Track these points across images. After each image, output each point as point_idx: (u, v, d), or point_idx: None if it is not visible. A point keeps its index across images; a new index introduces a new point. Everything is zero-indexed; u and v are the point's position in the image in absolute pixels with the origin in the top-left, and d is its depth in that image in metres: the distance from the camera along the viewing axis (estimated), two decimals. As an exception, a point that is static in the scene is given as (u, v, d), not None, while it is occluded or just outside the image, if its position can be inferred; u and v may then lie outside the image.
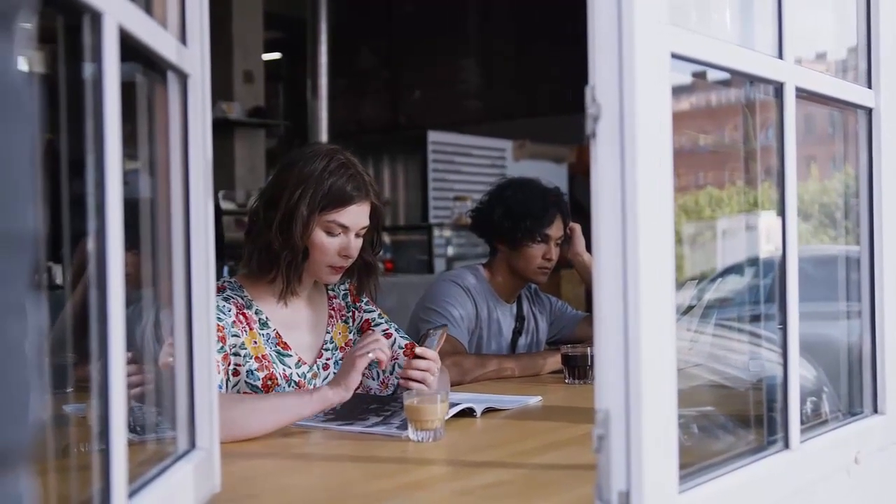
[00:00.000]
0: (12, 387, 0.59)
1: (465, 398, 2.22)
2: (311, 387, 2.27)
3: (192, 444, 1.39)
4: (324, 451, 1.84)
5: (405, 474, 1.71)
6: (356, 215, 2.24)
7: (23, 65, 0.62)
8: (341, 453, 1.82)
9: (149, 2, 1.28)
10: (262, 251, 2.23)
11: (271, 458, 1.84)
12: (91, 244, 1.03)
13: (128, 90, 1.10)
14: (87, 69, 1.03)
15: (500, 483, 1.60)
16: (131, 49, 1.12)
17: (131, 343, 1.10)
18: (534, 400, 2.39)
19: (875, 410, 1.85)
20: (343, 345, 2.40)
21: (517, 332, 3.18)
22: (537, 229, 3.02)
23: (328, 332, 2.38)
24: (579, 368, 2.69)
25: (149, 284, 1.42)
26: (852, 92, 1.81)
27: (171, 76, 1.35)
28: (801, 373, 1.60)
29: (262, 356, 2.22)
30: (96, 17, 1.00)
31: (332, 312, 2.41)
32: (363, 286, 2.39)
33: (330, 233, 2.22)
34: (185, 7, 1.38)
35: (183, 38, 1.37)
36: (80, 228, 1.07)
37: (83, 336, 1.10)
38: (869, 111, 1.84)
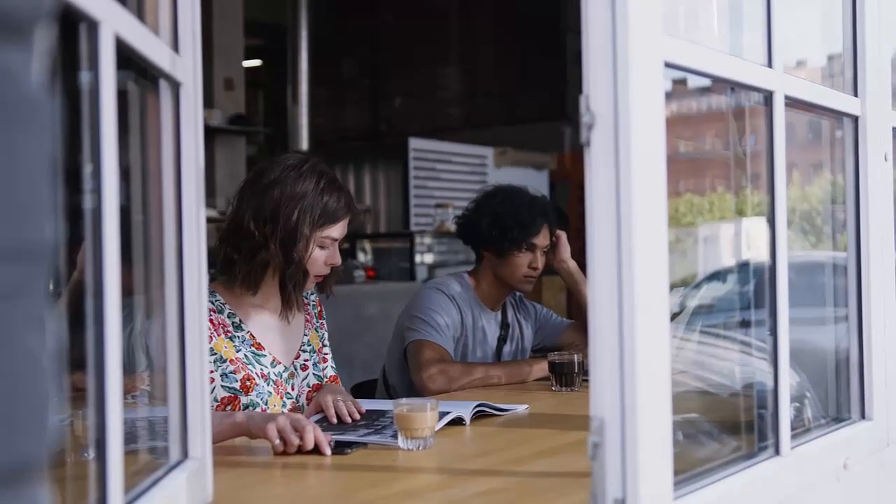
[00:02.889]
0: (32, 399, 0.59)
1: (453, 406, 2.22)
2: (289, 387, 2.34)
3: (185, 454, 1.38)
4: (315, 460, 1.83)
5: (396, 483, 1.70)
6: (344, 227, 2.35)
7: (40, 76, 0.62)
8: (332, 463, 1.82)
9: (141, 9, 1.28)
10: (260, 268, 2.28)
11: (262, 468, 1.83)
12: (87, 253, 1.03)
13: (119, 98, 1.09)
14: (83, 77, 1.03)
15: (493, 491, 1.60)
16: (125, 57, 1.12)
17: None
18: (522, 408, 2.39)
19: (863, 416, 1.86)
20: (317, 348, 2.48)
21: (502, 340, 3.18)
22: (524, 238, 3.02)
23: (305, 335, 2.45)
24: (566, 376, 2.69)
25: (139, 292, 1.41)
26: (839, 100, 1.83)
27: (163, 84, 1.34)
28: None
29: (236, 359, 2.26)
30: (93, 26, 1.00)
31: (308, 317, 2.49)
32: (326, 283, 2.44)
33: (322, 246, 2.31)
34: (177, 15, 1.37)
35: (175, 47, 1.36)
36: (74, 237, 1.06)
37: (71, 345, 1.09)
38: (855, 119, 1.86)
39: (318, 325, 2.52)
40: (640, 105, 1.19)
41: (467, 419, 2.17)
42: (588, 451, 1.20)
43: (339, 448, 1.88)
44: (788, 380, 1.58)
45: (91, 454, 1.20)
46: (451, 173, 8.40)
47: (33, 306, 0.60)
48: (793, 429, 1.63)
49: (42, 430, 0.60)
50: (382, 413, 2.22)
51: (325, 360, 2.50)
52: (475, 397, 2.54)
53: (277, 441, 1.85)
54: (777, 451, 1.55)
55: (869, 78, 1.86)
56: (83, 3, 0.97)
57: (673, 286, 2.24)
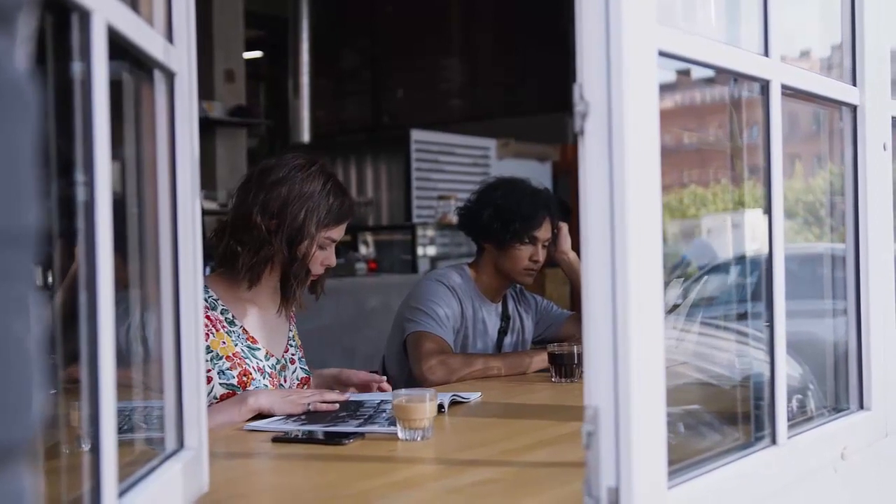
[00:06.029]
0: (16, 382, 0.59)
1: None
2: (282, 379, 2.40)
3: (181, 444, 1.39)
4: (312, 451, 1.84)
5: (394, 473, 1.71)
6: (343, 230, 2.41)
7: (24, 63, 0.62)
8: (329, 453, 1.82)
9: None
10: (263, 262, 2.31)
11: (259, 458, 1.84)
12: (79, 245, 1.03)
13: (113, 88, 1.09)
14: (75, 67, 1.02)
15: (489, 481, 1.60)
16: (118, 47, 1.12)
17: (116, 344, 1.10)
18: (474, 396, 2.41)
19: (861, 406, 1.86)
20: (300, 345, 2.54)
21: (503, 332, 3.18)
22: (526, 231, 3.02)
23: (290, 331, 2.51)
24: (566, 367, 2.69)
25: (135, 285, 1.41)
26: (837, 89, 1.82)
27: (157, 75, 1.34)
28: (786, 370, 1.60)
29: (234, 354, 2.30)
30: (85, 16, 1.00)
31: (292, 315, 2.53)
32: (317, 284, 2.47)
33: (322, 247, 2.36)
34: (171, 5, 1.37)
35: (170, 37, 1.36)
36: (63, 229, 1.06)
37: (68, 337, 1.10)
38: (854, 108, 1.85)
39: (295, 322, 2.58)
40: (634, 94, 1.19)
41: (446, 406, 2.20)
42: (582, 439, 1.20)
43: (337, 438, 1.88)
44: (785, 370, 1.58)
45: (88, 445, 1.20)
46: (454, 165, 8.40)
47: (17, 291, 0.60)
48: (794, 420, 1.63)
49: (26, 414, 0.60)
50: (361, 403, 2.23)
51: (292, 362, 2.53)
52: (475, 388, 2.54)
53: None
54: (773, 441, 1.55)
55: (868, 67, 1.85)
56: (74, -8, 0.97)
57: (677, 277, 2.24)
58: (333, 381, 2.52)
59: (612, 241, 1.18)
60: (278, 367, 2.39)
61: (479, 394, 2.45)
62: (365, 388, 2.46)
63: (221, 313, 2.32)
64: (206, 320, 2.26)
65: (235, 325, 2.33)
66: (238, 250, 2.30)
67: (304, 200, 2.30)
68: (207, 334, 2.24)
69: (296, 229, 2.29)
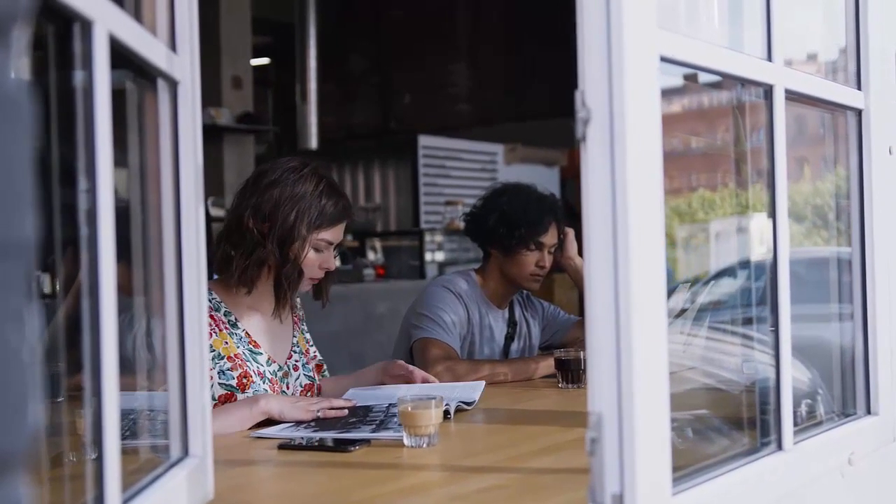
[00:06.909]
0: (11, 393, 0.59)
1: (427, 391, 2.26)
2: (284, 385, 2.40)
3: (186, 452, 1.39)
4: (317, 458, 1.84)
5: (400, 480, 1.71)
6: (339, 232, 2.39)
7: (20, 73, 0.62)
8: (335, 460, 1.82)
9: (138, 9, 1.28)
10: (256, 265, 2.30)
11: (264, 465, 1.84)
12: (83, 253, 1.03)
13: (117, 97, 1.10)
14: (77, 76, 1.03)
15: (495, 487, 1.60)
16: (121, 56, 1.12)
17: (122, 352, 1.10)
18: (479, 388, 2.43)
19: (868, 411, 1.85)
20: (305, 350, 2.53)
21: (509, 338, 3.17)
22: (532, 237, 3.02)
23: (294, 337, 2.50)
24: (572, 372, 2.68)
25: (140, 293, 1.42)
26: (842, 93, 1.82)
27: (160, 83, 1.35)
28: (795, 375, 1.60)
29: (235, 355, 2.30)
30: (87, 25, 1.00)
31: (296, 320, 2.53)
32: (321, 290, 2.47)
33: (317, 249, 2.35)
34: (174, 14, 1.38)
35: (173, 46, 1.36)
36: (70, 237, 1.07)
37: (74, 345, 1.10)
38: (858, 112, 1.85)
39: (303, 328, 2.57)
40: (636, 100, 1.19)
41: (451, 412, 2.19)
42: (586, 446, 1.20)
43: (343, 445, 1.88)
44: (791, 374, 1.57)
45: (94, 454, 1.20)
46: (461, 170, 8.40)
47: (13, 301, 0.60)
48: (802, 424, 1.62)
49: (22, 425, 0.60)
50: (370, 409, 2.23)
51: (313, 359, 2.53)
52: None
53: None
54: (780, 447, 1.55)
55: (872, 71, 1.85)
56: (76, 2, 0.97)
57: (685, 282, 2.24)
58: (383, 374, 2.53)
59: (615, 247, 1.18)
60: (280, 373, 2.39)
61: (483, 383, 2.47)
62: (407, 380, 2.48)
63: (224, 315, 2.33)
64: (209, 320, 2.26)
65: (238, 328, 2.34)
66: (232, 254, 2.30)
67: (295, 202, 2.29)
68: (210, 333, 2.25)
69: (287, 230, 2.29)
